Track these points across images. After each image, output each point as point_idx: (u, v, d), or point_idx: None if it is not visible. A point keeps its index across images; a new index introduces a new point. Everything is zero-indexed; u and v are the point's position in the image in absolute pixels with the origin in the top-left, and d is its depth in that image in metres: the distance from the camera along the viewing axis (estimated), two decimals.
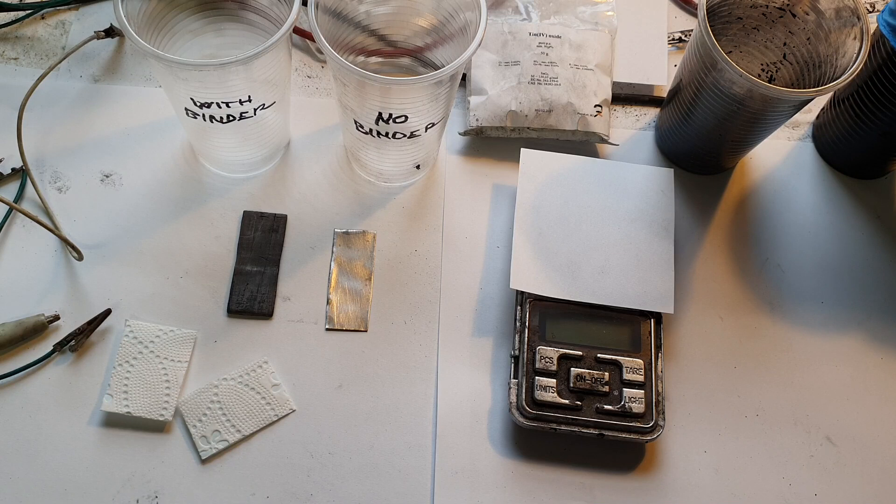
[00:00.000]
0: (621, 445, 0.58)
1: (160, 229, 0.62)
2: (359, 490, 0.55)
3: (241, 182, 0.65)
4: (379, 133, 0.57)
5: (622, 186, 0.64)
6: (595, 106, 0.66)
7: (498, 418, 0.58)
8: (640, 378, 0.57)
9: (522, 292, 0.59)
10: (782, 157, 0.70)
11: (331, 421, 0.57)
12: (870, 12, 0.75)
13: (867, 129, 0.64)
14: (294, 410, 0.57)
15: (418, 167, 0.64)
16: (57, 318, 0.58)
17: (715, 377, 0.61)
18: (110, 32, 0.68)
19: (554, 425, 0.56)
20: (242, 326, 0.60)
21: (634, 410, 0.56)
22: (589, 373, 0.57)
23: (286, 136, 0.66)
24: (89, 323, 0.58)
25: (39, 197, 0.62)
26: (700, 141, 0.64)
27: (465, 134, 0.67)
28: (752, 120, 0.58)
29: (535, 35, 0.67)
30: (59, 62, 0.66)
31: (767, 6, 0.61)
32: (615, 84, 0.70)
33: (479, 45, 0.52)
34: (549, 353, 0.57)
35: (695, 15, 0.75)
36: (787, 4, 0.60)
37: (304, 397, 0.58)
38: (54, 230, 0.59)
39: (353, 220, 0.64)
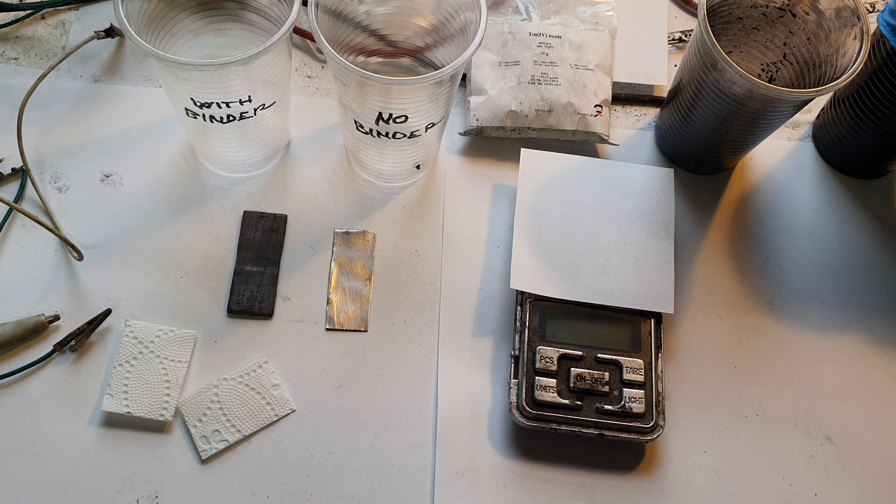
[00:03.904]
0: (621, 445, 0.58)
1: (160, 229, 0.62)
2: (359, 490, 0.55)
3: (241, 182, 0.65)
4: (379, 133, 0.57)
5: (622, 186, 0.64)
6: (595, 106, 0.66)
7: (498, 418, 0.58)
8: (640, 378, 0.57)
9: (522, 292, 0.59)
10: (782, 157, 0.70)
11: (331, 421, 0.57)
12: (870, 12, 0.75)
13: (867, 129, 0.64)
14: (294, 410, 0.57)
15: (418, 167, 0.64)
16: (57, 318, 0.58)
17: (715, 377, 0.61)
18: (110, 32, 0.68)
19: (554, 425, 0.56)
20: (242, 326, 0.60)
21: (634, 410, 0.56)
22: (589, 373, 0.57)
23: (286, 136, 0.66)
24: (89, 323, 0.58)
25: (39, 197, 0.62)
26: (700, 141, 0.64)
27: (465, 134, 0.67)
28: (752, 120, 0.58)
29: (535, 35, 0.67)
30: (59, 62, 0.66)
31: (767, 6, 0.61)
32: (615, 84, 0.70)
33: (479, 45, 0.52)
34: (549, 353, 0.57)
35: (695, 15, 0.75)
36: (787, 4, 0.60)
37: (304, 397, 0.58)
38: (54, 230, 0.59)
39: (353, 220, 0.64)
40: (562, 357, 0.57)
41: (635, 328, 0.59)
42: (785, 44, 0.62)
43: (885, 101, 0.61)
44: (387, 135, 0.57)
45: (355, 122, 0.57)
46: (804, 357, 0.62)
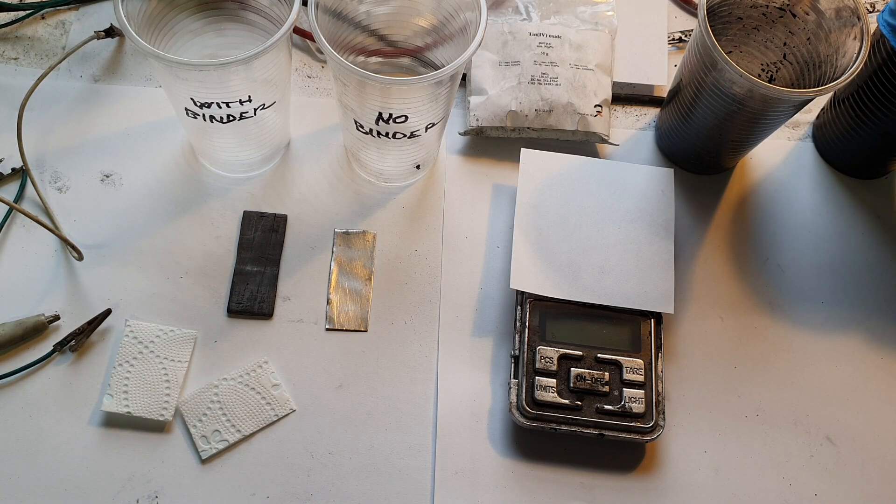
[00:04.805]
0: (621, 445, 0.58)
1: (160, 229, 0.62)
2: (359, 490, 0.55)
3: (241, 182, 0.65)
4: (379, 133, 0.57)
5: (622, 186, 0.64)
6: (595, 106, 0.66)
7: (498, 418, 0.58)
8: (640, 378, 0.57)
9: (522, 292, 0.59)
10: (782, 157, 0.70)
11: (331, 421, 0.57)
12: (870, 12, 0.75)
13: (867, 129, 0.64)
14: (294, 410, 0.57)
15: (418, 167, 0.64)
16: (57, 318, 0.58)
17: (715, 377, 0.61)
18: (110, 32, 0.68)
19: (554, 425, 0.56)
20: (242, 326, 0.60)
21: (634, 410, 0.56)
22: (589, 373, 0.57)
23: (286, 136, 0.66)
24: (89, 323, 0.58)
25: (39, 197, 0.62)
26: (700, 141, 0.64)
27: (465, 134, 0.67)
28: (752, 120, 0.58)
29: (535, 35, 0.67)
30: (59, 62, 0.66)
31: (767, 6, 0.61)
32: (615, 84, 0.70)
33: (479, 45, 0.52)
34: (549, 353, 0.57)
35: (695, 15, 0.75)
36: (787, 4, 0.61)
37: (304, 397, 0.58)
38: (54, 230, 0.59)
39: (353, 220, 0.64)
40: (562, 357, 0.57)
41: (635, 328, 0.59)
42: (785, 44, 0.62)
43: (885, 101, 0.61)
44: (387, 135, 0.57)
45: (355, 122, 0.57)
46: (804, 357, 0.62)
